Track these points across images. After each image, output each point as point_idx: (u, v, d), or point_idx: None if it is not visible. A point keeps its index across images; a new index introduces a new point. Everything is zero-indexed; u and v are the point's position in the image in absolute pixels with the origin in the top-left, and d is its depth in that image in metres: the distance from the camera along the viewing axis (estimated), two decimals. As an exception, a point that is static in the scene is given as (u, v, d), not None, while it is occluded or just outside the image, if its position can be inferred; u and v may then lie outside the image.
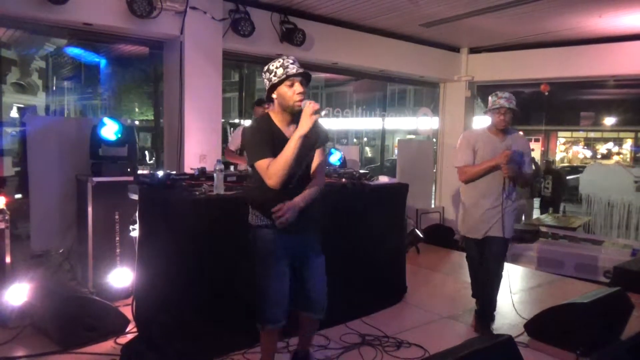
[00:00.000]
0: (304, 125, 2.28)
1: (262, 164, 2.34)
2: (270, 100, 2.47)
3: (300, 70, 2.37)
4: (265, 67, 2.42)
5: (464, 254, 3.96)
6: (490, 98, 3.59)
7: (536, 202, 10.36)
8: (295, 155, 2.29)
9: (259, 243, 2.50)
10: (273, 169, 2.30)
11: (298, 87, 2.36)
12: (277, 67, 2.37)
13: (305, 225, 2.51)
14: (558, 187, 9.80)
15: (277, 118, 2.46)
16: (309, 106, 2.29)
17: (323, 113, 2.31)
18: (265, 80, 2.43)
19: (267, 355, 2.66)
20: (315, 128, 2.38)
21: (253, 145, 2.40)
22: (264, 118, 2.48)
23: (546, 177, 9.91)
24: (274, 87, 2.39)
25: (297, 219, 2.40)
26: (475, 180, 3.57)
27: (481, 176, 3.54)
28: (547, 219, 8.63)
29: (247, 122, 5.14)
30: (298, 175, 2.44)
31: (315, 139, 2.48)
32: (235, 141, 4.82)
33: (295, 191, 2.43)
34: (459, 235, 3.70)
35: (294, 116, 2.42)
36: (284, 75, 2.34)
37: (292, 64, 2.36)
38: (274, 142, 2.37)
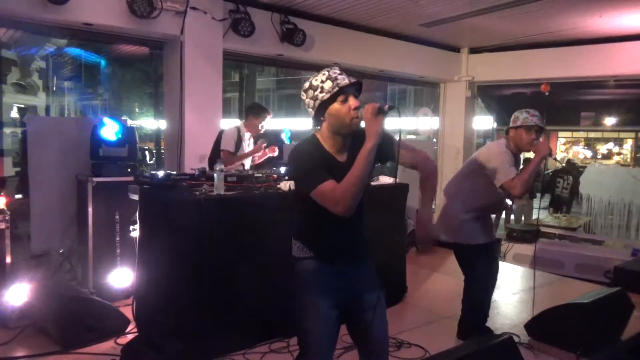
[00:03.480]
0: (372, 130, 1.84)
1: (324, 189, 1.86)
2: (318, 122, 1.99)
3: (353, 80, 1.93)
4: (306, 85, 1.98)
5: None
6: (519, 115, 3.29)
7: (536, 202, 10.29)
8: (366, 173, 1.87)
9: (301, 276, 2.05)
10: (341, 193, 1.85)
11: (353, 102, 1.91)
12: (323, 81, 1.92)
13: (358, 251, 2.11)
14: (576, 187, 9.41)
15: (328, 143, 1.99)
16: (367, 109, 1.86)
17: (386, 107, 1.86)
18: (309, 100, 1.96)
19: None
20: (355, 142, 1.96)
21: (307, 170, 1.91)
22: (313, 142, 2.00)
23: (566, 177, 9.73)
24: (324, 105, 1.92)
25: (347, 243, 2.06)
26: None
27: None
28: (547, 219, 8.62)
29: (234, 123, 4.83)
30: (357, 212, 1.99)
31: (379, 154, 1.94)
32: (229, 142, 4.49)
33: (354, 220, 2.01)
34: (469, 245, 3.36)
35: (347, 139, 1.99)
36: (336, 88, 1.89)
37: (340, 74, 1.93)
38: (328, 172, 1.91)
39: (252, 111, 4.63)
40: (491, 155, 3.28)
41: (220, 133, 4.59)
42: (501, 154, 3.26)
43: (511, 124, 3.32)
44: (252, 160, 4.62)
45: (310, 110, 1.99)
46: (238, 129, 4.55)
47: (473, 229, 3.33)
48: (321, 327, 2.01)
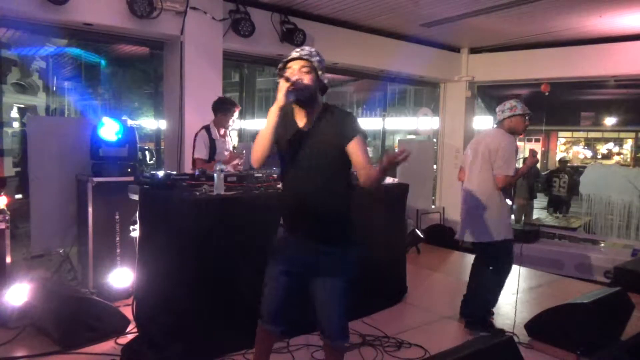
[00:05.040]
0: (278, 95, 2.11)
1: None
2: None
3: (292, 57, 2.19)
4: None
5: (464, 254, 3.98)
6: (515, 103, 3.63)
7: (537, 202, 10.29)
8: (268, 130, 2.13)
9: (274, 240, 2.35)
10: (254, 146, 2.20)
11: (290, 73, 2.16)
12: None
13: (323, 233, 2.21)
14: (574, 186, 9.43)
15: (297, 114, 2.27)
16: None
17: (294, 78, 2.11)
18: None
19: (256, 351, 2.49)
20: (331, 121, 2.19)
21: None
22: (289, 111, 2.26)
23: (561, 177, 9.75)
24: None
25: (306, 223, 2.22)
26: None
27: None
28: (547, 219, 8.62)
29: (202, 123, 4.55)
30: (303, 175, 2.19)
31: (334, 133, 2.17)
32: (201, 149, 4.33)
33: (302, 195, 2.20)
34: (498, 239, 3.57)
35: (308, 110, 2.23)
36: (281, 63, 2.21)
37: (295, 52, 2.21)
38: (292, 137, 2.22)
39: (220, 108, 4.44)
40: (500, 145, 3.55)
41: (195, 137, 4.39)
42: (511, 144, 3.57)
43: (509, 113, 3.62)
44: (234, 167, 4.29)
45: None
46: (208, 131, 4.36)
47: (507, 224, 3.62)
48: (268, 288, 2.31)
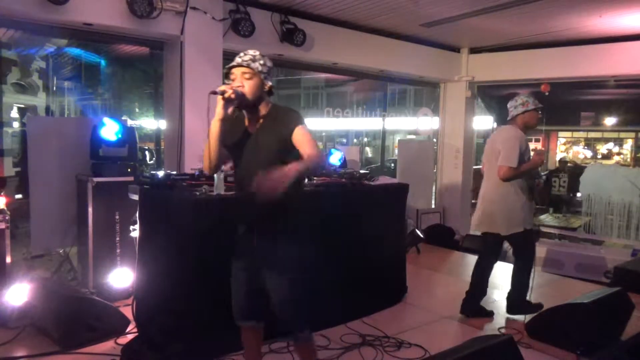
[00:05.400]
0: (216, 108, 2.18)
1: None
2: None
3: (234, 63, 2.22)
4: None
5: (464, 254, 4.03)
6: (526, 99, 3.78)
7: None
8: (212, 138, 2.20)
9: None
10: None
11: (235, 79, 2.22)
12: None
13: (261, 227, 2.27)
14: (575, 186, 9.49)
15: (247, 116, 2.33)
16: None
17: (222, 90, 2.13)
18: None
19: (245, 350, 2.58)
20: (276, 119, 2.24)
21: None
22: (240, 115, 2.34)
23: (561, 175, 9.73)
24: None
25: (251, 218, 2.28)
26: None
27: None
28: (548, 219, 8.62)
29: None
30: (249, 173, 2.17)
31: (278, 129, 2.21)
32: None
33: (246, 191, 2.19)
34: (521, 230, 3.74)
35: (253, 113, 2.28)
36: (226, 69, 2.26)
37: (238, 57, 2.24)
38: (240, 139, 2.29)
39: None
40: (506, 138, 3.72)
41: None
42: (516, 138, 3.70)
43: (522, 108, 3.77)
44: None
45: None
46: None
47: (519, 220, 3.74)
48: (233, 286, 2.37)
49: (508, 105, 3.89)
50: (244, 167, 2.28)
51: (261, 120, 2.27)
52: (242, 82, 2.19)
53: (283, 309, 2.31)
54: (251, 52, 2.25)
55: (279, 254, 2.24)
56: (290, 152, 2.19)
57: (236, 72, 2.21)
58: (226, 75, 2.25)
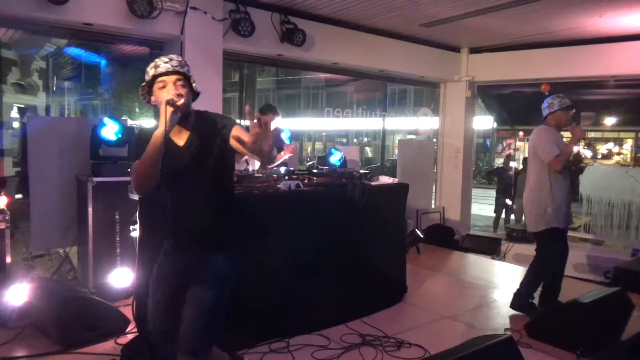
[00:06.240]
0: (161, 119, 1.94)
1: (134, 167, 2.01)
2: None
3: (170, 69, 2.03)
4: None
5: (464, 254, 4.03)
6: (552, 100, 3.93)
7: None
8: (153, 155, 1.93)
9: None
10: (134, 173, 1.99)
11: (172, 89, 2.02)
12: (149, 67, 2.08)
13: (193, 241, 2.15)
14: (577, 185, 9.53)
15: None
16: (162, 101, 1.98)
17: (175, 96, 1.97)
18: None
19: None
20: (207, 124, 2.10)
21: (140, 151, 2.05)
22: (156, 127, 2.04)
23: None
24: (149, 88, 2.09)
25: (185, 234, 2.15)
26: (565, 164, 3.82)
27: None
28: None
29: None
30: (184, 189, 2.10)
31: (212, 134, 2.08)
32: None
33: (196, 211, 2.11)
34: (546, 227, 3.83)
35: (183, 124, 2.09)
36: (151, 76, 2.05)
37: (164, 62, 2.04)
38: (166, 154, 2.01)
39: (262, 111, 4.43)
40: (536, 138, 3.90)
41: None
42: (544, 131, 3.87)
43: (548, 111, 3.93)
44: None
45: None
46: None
47: (548, 217, 3.83)
48: (153, 312, 2.29)
49: (541, 106, 4.05)
50: (180, 183, 2.10)
51: (192, 130, 2.10)
52: (178, 90, 2.02)
53: (193, 327, 2.13)
54: (175, 57, 2.07)
55: (216, 270, 2.13)
56: (227, 160, 2.13)
57: (167, 79, 2.03)
58: (150, 85, 2.06)
